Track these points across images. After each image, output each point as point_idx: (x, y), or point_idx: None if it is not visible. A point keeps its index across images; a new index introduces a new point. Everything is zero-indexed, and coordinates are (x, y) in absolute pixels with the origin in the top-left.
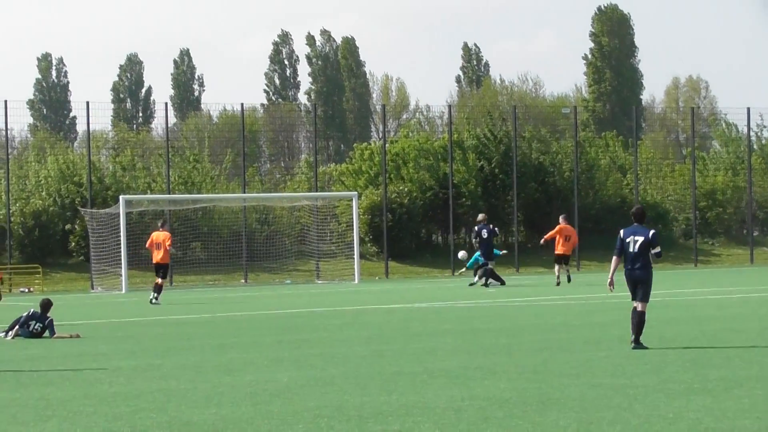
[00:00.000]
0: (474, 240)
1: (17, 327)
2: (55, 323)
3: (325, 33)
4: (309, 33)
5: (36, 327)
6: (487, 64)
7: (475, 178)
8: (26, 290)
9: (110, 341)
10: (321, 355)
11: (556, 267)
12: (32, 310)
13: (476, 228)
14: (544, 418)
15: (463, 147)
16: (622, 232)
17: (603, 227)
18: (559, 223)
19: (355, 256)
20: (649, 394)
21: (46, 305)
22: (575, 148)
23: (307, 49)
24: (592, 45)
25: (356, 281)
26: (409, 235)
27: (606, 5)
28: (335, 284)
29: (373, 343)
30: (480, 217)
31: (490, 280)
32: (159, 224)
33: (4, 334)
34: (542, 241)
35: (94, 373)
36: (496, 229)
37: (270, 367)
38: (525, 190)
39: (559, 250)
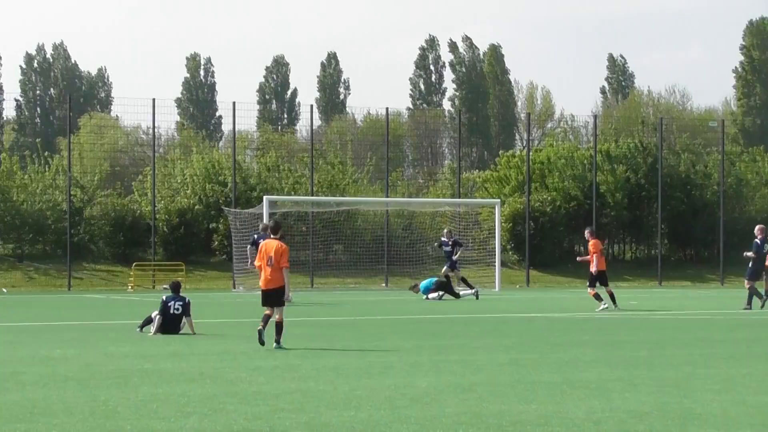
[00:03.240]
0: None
1: (159, 317)
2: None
3: (467, 39)
4: (451, 40)
5: (177, 307)
6: (632, 75)
7: (621, 189)
8: (168, 287)
9: (251, 340)
10: (460, 361)
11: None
12: (164, 296)
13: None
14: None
15: (610, 157)
16: None
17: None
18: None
19: (497, 264)
20: None
21: (177, 286)
22: (721, 162)
23: (452, 56)
24: (742, 58)
25: (497, 289)
26: (551, 245)
27: (757, 18)
28: None
29: (512, 351)
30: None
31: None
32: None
33: (139, 329)
34: None
35: (235, 372)
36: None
37: (409, 371)
38: (670, 203)
39: None
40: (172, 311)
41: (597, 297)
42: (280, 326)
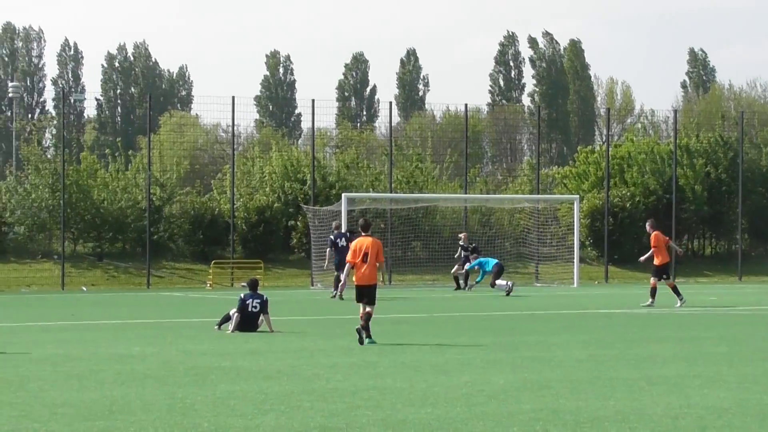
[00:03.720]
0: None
1: (237, 314)
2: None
3: (547, 35)
4: (530, 36)
5: (255, 305)
6: (713, 70)
7: (701, 184)
8: (246, 285)
9: (329, 338)
10: (537, 358)
11: None
12: (243, 294)
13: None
14: (764, 430)
15: (690, 151)
16: None
17: None
18: None
19: (575, 260)
20: None
21: (255, 283)
22: None
23: (531, 52)
24: None
25: (575, 285)
26: (630, 240)
27: None
28: (554, 287)
29: (590, 347)
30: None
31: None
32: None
33: (217, 327)
34: None
35: (312, 369)
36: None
37: (486, 368)
38: (751, 197)
39: None
40: (250, 309)
41: (654, 292)
42: (369, 316)
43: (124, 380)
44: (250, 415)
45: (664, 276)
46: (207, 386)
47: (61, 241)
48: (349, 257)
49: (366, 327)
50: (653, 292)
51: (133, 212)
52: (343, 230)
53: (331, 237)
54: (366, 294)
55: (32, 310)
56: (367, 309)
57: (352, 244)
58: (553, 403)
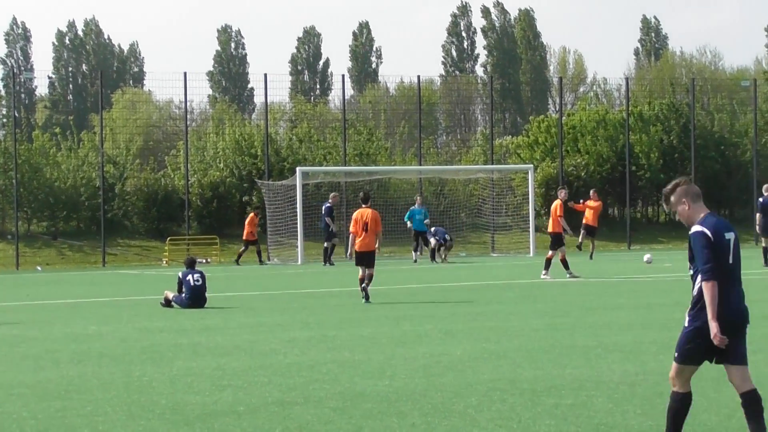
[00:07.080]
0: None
1: (183, 287)
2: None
3: (498, 5)
4: (483, 6)
5: (197, 278)
6: (666, 37)
7: (655, 150)
8: (204, 261)
9: (286, 312)
10: (495, 328)
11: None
12: (181, 272)
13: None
14: (719, 395)
15: (643, 119)
16: None
17: None
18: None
19: (531, 229)
20: None
21: (192, 262)
22: (754, 121)
23: (484, 22)
24: None
25: (531, 254)
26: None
27: None
28: (510, 257)
29: (547, 316)
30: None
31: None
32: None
33: (163, 304)
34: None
35: (270, 344)
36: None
37: (444, 339)
38: (704, 163)
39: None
40: (192, 283)
41: (548, 263)
42: (371, 277)
43: (81, 359)
44: (207, 391)
45: (561, 247)
46: (164, 363)
47: (15, 221)
48: (351, 228)
49: (368, 280)
50: (548, 263)
51: (86, 190)
52: (329, 203)
53: (326, 205)
54: (365, 259)
55: None
56: (368, 271)
57: (354, 215)
58: (510, 372)
